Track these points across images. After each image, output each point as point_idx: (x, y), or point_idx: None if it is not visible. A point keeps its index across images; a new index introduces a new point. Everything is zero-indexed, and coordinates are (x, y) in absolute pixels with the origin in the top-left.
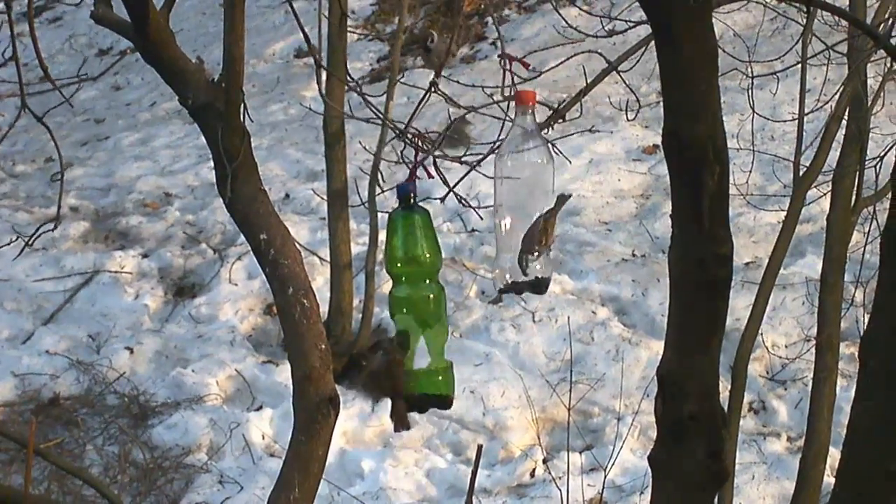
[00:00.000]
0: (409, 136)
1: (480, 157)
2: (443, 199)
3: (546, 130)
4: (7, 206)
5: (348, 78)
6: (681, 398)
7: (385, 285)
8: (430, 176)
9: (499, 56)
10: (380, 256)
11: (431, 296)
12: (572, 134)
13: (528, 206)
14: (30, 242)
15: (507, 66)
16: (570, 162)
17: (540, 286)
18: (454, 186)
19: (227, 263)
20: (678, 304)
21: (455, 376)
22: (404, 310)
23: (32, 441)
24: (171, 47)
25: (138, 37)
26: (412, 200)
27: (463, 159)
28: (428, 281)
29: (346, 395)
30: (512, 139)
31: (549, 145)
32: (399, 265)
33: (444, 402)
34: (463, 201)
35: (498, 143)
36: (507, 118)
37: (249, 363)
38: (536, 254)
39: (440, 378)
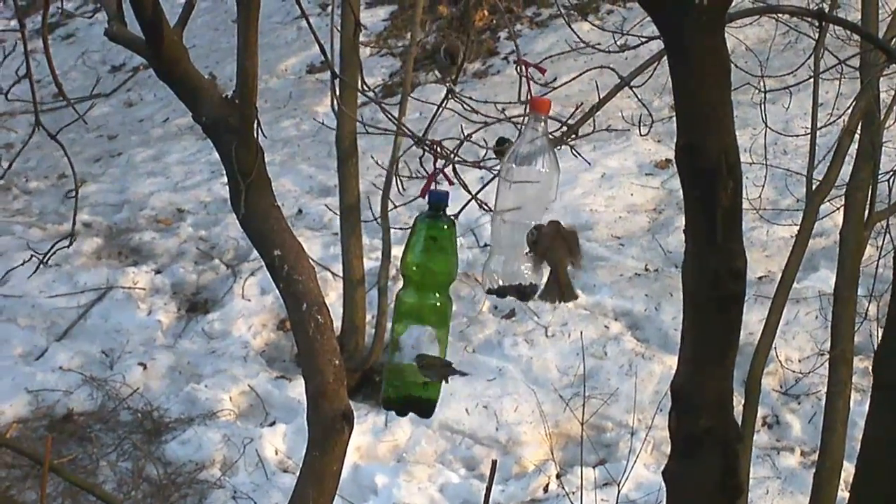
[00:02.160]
0: (428, 143)
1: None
2: (457, 215)
3: (559, 147)
4: (21, 222)
5: (364, 87)
6: (695, 412)
7: None
8: (450, 182)
9: (515, 62)
10: (393, 271)
11: (438, 305)
12: (592, 132)
13: (529, 212)
14: (45, 260)
15: (524, 73)
16: (590, 163)
17: (525, 293)
18: (477, 193)
19: (240, 279)
20: (692, 319)
21: (463, 392)
22: (408, 314)
23: (48, 457)
24: (185, 64)
25: (152, 54)
26: (441, 209)
27: (481, 164)
28: (438, 292)
29: (360, 411)
30: (521, 144)
31: (568, 149)
32: (414, 269)
33: (429, 407)
34: (484, 206)
35: (513, 150)
36: (521, 126)
37: (262, 379)
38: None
39: (430, 384)
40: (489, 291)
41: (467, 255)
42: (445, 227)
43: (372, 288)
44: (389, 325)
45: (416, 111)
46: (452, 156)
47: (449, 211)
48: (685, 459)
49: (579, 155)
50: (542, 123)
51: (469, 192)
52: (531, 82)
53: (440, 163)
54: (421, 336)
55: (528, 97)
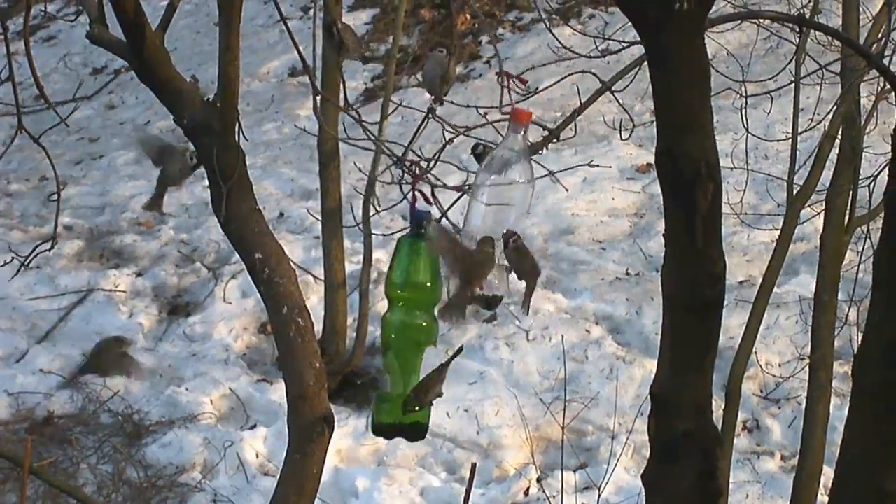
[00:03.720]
0: (407, 163)
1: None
2: (439, 219)
3: (541, 151)
4: (1, 224)
5: (344, 102)
6: (674, 416)
7: (380, 304)
8: (427, 202)
9: (497, 73)
10: (374, 275)
11: (424, 324)
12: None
13: (503, 223)
14: (26, 263)
15: (506, 84)
16: (567, 190)
17: (492, 303)
18: (447, 210)
19: (221, 282)
20: (671, 323)
21: (444, 396)
22: (393, 335)
23: (28, 460)
24: (167, 67)
25: (134, 57)
26: (424, 228)
27: (462, 189)
28: (424, 311)
29: (341, 414)
30: (498, 155)
31: (550, 153)
32: (399, 290)
33: (421, 431)
34: (456, 227)
35: (485, 166)
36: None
37: (244, 382)
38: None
39: (425, 410)
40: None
41: None
42: (427, 245)
43: (353, 291)
44: (378, 334)
45: (398, 115)
46: (426, 175)
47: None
48: (664, 463)
49: (552, 174)
50: (522, 134)
51: (442, 212)
52: (512, 92)
53: (421, 184)
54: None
55: (510, 106)
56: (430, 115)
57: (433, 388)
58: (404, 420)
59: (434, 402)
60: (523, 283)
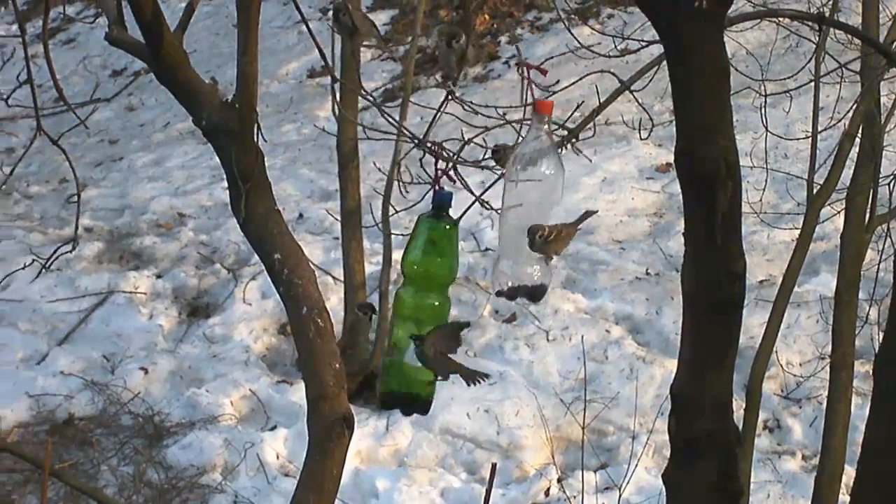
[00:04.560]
0: (429, 144)
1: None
2: (459, 219)
3: (561, 150)
4: (22, 226)
5: (363, 91)
6: (694, 416)
7: None
8: (453, 182)
9: (517, 64)
10: (394, 276)
11: (437, 304)
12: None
13: (536, 214)
14: (47, 265)
15: (525, 75)
16: (591, 160)
17: (536, 293)
18: (482, 194)
19: (241, 283)
20: (691, 322)
21: (464, 396)
22: (406, 311)
23: (49, 462)
24: (186, 68)
25: (153, 58)
26: (445, 209)
27: (482, 163)
28: (438, 291)
29: (360, 414)
30: (525, 146)
31: (570, 152)
32: (415, 268)
33: (426, 406)
34: (487, 205)
35: (515, 150)
36: (525, 128)
37: (264, 383)
38: (542, 237)
39: (429, 383)
40: (499, 294)
41: (468, 260)
42: (447, 227)
43: (373, 292)
44: (389, 323)
45: (417, 115)
46: (454, 157)
47: (452, 213)
48: (685, 463)
49: (580, 152)
50: (546, 125)
51: (472, 194)
52: (533, 86)
53: (442, 165)
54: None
55: (532, 99)
56: (450, 97)
57: (447, 340)
58: (410, 392)
59: (446, 354)
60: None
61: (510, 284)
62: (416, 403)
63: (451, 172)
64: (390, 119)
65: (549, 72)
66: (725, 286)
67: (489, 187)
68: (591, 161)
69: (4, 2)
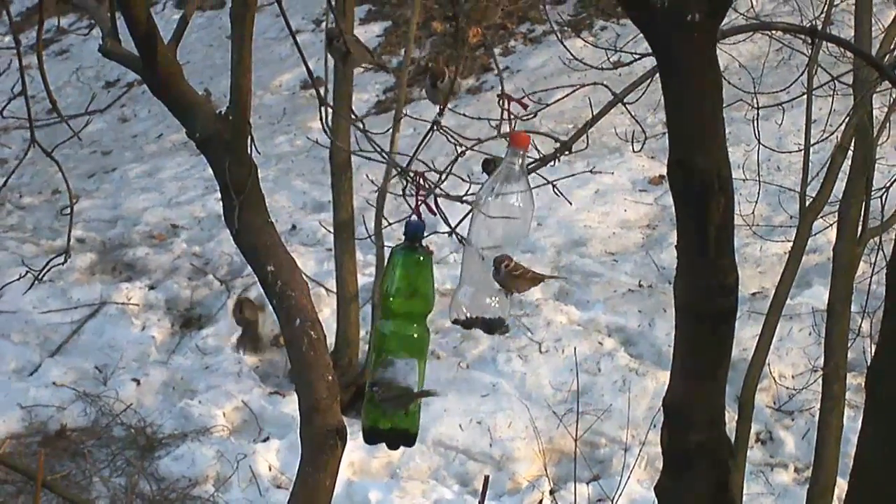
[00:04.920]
0: (412, 174)
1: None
2: (449, 234)
3: (553, 162)
4: (14, 237)
5: (352, 115)
6: (687, 428)
7: None
8: (432, 213)
9: (498, 96)
10: None
11: (416, 336)
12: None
13: (503, 246)
14: (40, 277)
15: (506, 106)
16: (571, 203)
17: (493, 325)
18: (456, 226)
19: (233, 295)
20: (684, 334)
21: (457, 408)
22: (384, 346)
23: (41, 473)
24: (179, 80)
25: (147, 70)
26: (418, 240)
27: (464, 198)
28: (416, 322)
29: (353, 426)
30: (497, 178)
31: (562, 165)
32: (391, 300)
33: (410, 438)
34: (463, 241)
35: (491, 181)
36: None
37: (256, 394)
38: (507, 269)
39: (412, 417)
40: (455, 322)
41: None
42: (421, 258)
43: (366, 304)
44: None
45: (410, 127)
46: (436, 186)
47: (443, 231)
48: (677, 475)
49: (555, 187)
50: (520, 158)
51: (448, 226)
52: (514, 111)
53: (424, 194)
54: (398, 368)
55: (510, 132)
56: (435, 128)
57: (404, 396)
58: (393, 425)
59: (402, 409)
60: (526, 294)
61: (468, 315)
62: (401, 438)
63: (431, 203)
64: (377, 147)
65: (528, 106)
66: (718, 298)
67: (463, 218)
68: (569, 202)
69: None
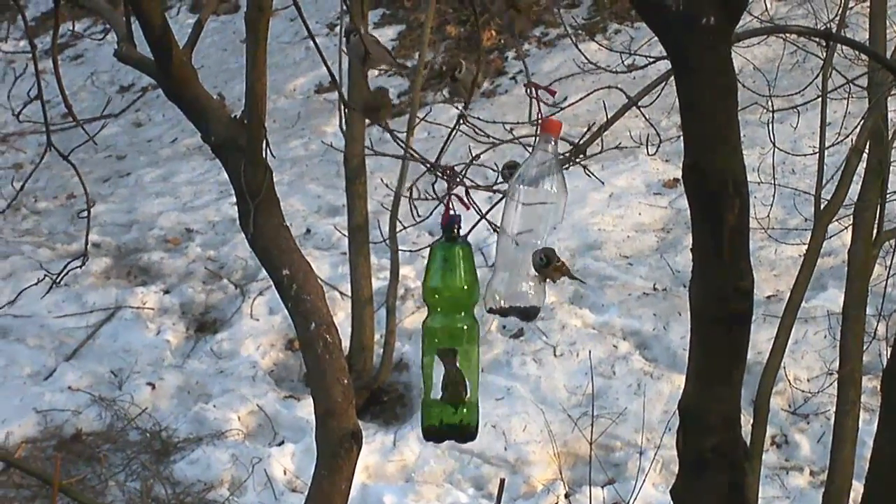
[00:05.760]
0: (440, 168)
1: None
2: (465, 237)
3: (567, 166)
4: (30, 242)
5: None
6: (702, 431)
7: (406, 319)
8: (465, 207)
9: (525, 84)
10: (401, 291)
11: (465, 328)
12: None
13: (536, 233)
14: (57, 281)
15: (534, 95)
16: (603, 183)
17: (529, 313)
18: (486, 213)
19: (248, 299)
20: (699, 337)
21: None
22: (436, 340)
23: (58, 477)
24: (194, 85)
25: (162, 75)
26: (456, 232)
27: (495, 187)
28: (463, 313)
29: (368, 430)
30: (530, 164)
31: (577, 168)
32: (435, 295)
33: (471, 433)
34: (497, 228)
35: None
36: (532, 146)
37: (271, 398)
38: (546, 263)
39: (469, 410)
40: (490, 311)
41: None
42: (461, 250)
43: (380, 307)
44: (405, 350)
45: (424, 131)
46: (461, 179)
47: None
48: (693, 478)
49: (592, 175)
50: (553, 144)
51: (480, 213)
52: (541, 103)
53: (457, 188)
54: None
55: (539, 118)
56: (462, 121)
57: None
58: (451, 422)
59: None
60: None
61: (503, 303)
62: (456, 432)
63: (464, 196)
64: (400, 142)
65: (557, 92)
66: (734, 301)
67: (494, 206)
68: (602, 183)
69: (14, 18)
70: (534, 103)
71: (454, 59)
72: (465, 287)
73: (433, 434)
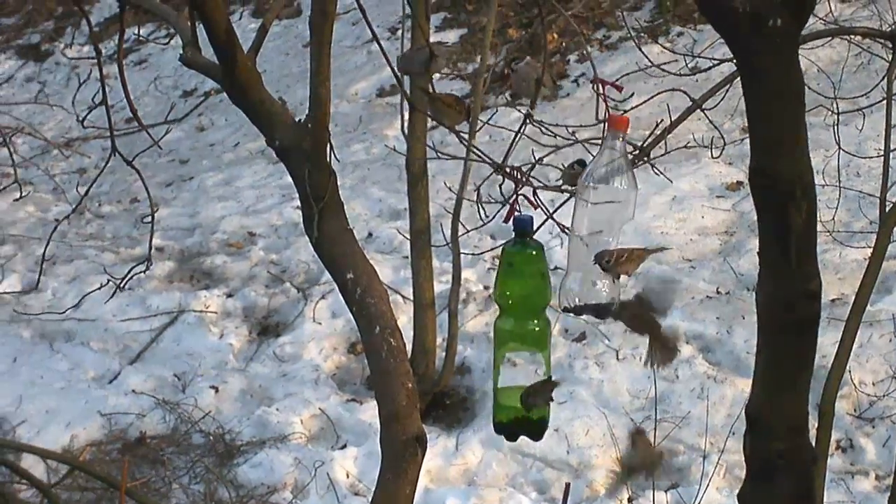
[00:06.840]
0: (508, 168)
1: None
2: (535, 231)
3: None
4: (93, 246)
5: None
6: (769, 436)
7: (469, 323)
8: (533, 206)
9: (591, 81)
10: (463, 295)
11: (536, 329)
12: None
13: (607, 230)
14: (122, 285)
15: (601, 91)
16: (672, 182)
17: (603, 311)
18: (553, 213)
19: (310, 302)
20: (766, 342)
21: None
22: (506, 341)
23: (125, 480)
24: (258, 89)
25: (226, 79)
26: (528, 234)
27: (563, 187)
28: (535, 316)
29: (430, 434)
30: (599, 162)
31: (643, 169)
32: (508, 296)
33: (540, 429)
34: (563, 228)
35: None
36: (600, 144)
37: (333, 402)
38: (608, 262)
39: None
40: (566, 310)
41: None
42: (533, 251)
43: (442, 311)
44: (468, 353)
45: (486, 134)
46: (528, 180)
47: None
48: (760, 483)
49: (660, 173)
50: (620, 141)
51: (547, 213)
52: (607, 102)
53: (524, 189)
54: (522, 366)
55: (606, 115)
56: (528, 121)
57: (542, 392)
58: (525, 417)
59: (546, 402)
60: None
61: (577, 302)
62: (527, 427)
63: (531, 196)
64: (465, 143)
65: (624, 88)
66: (801, 305)
67: (560, 206)
68: (670, 182)
69: (78, 24)
70: (600, 100)
71: (514, 53)
72: (536, 290)
73: (505, 430)
